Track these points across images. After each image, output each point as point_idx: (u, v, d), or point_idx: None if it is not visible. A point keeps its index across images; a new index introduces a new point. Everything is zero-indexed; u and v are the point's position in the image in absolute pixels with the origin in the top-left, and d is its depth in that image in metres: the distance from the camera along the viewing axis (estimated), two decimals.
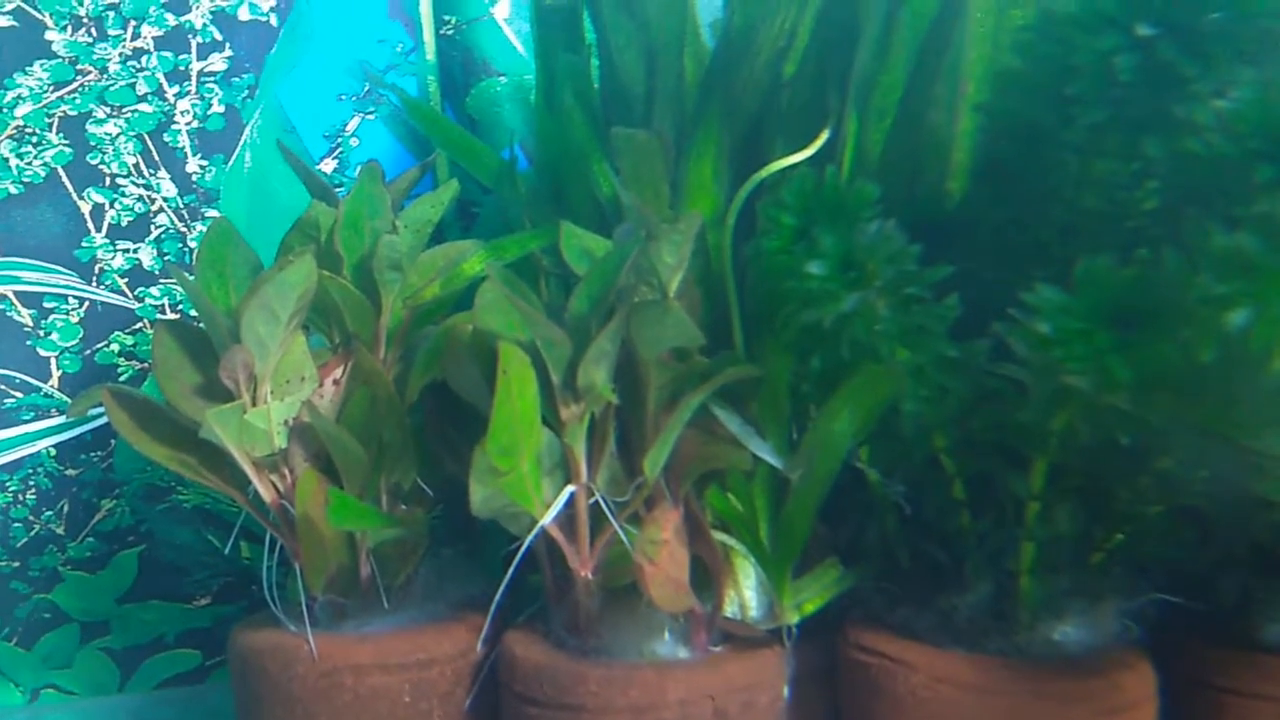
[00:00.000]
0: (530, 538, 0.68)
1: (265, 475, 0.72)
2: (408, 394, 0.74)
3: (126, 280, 0.96)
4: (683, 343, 0.66)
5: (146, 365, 0.96)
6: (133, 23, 0.94)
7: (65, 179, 0.94)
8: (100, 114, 0.94)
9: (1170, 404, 0.56)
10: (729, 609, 0.74)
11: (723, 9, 0.76)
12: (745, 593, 0.75)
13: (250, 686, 0.73)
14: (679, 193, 0.75)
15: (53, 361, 0.95)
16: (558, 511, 0.68)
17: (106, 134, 0.95)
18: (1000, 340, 0.60)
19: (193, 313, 0.94)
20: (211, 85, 0.96)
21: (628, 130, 0.72)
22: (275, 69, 0.98)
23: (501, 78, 1.00)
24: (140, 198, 0.96)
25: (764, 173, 0.72)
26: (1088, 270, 0.57)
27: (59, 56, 0.93)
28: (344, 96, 1.00)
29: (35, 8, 0.93)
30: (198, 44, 0.96)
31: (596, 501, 0.68)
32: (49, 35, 0.93)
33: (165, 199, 0.96)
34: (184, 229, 0.96)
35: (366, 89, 1.00)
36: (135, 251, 0.96)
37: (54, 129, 0.94)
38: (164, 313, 0.96)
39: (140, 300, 0.96)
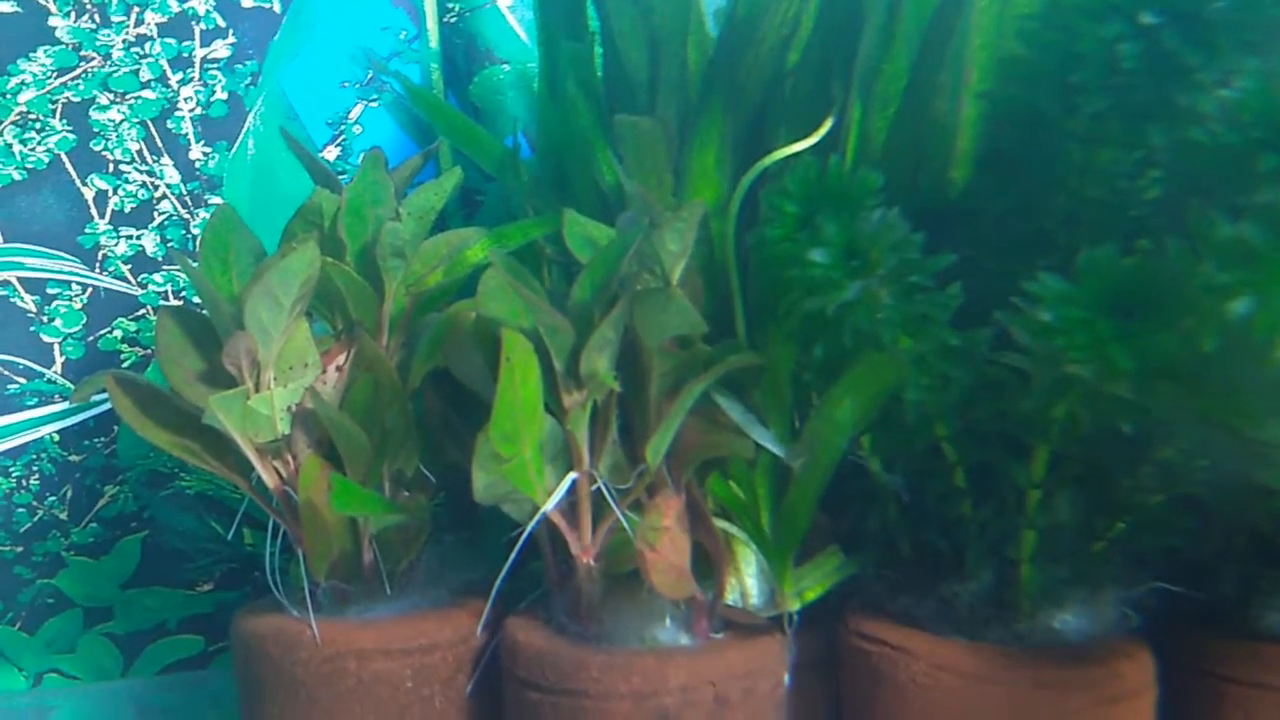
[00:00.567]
0: (532, 524, 0.68)
1: (268, 461, 0.73)
2: (410, 381, 0.75)
3: (130, 266, 0.96)
4: (685, 330, 0.66)
5: (150, 351, 0.96)
6: (136, 9, 0.94)
7: (69, 165, 0.94)
8: (104, 100, 0.94)
9: (1172, 393, 0.56)
10: (730, 596, 0.75)
11: None
12: (746, 580, 0.76)
13: (253, 672, 0.73)
14: (682, 180, 0.75)
15: (56, 347, 0.95)
16: (560, 498, 0.68)
17: (110, 120, 0.95)
18: (1003, 329, 0.60)
19: (196, 299, 0.94)
20: (215, 72, 0.96)
21: (631, 118, 0.72)
22: (278, 56, 0.98)
23: (505, 65, 1.00)
24: (143, 184, 0.96)
25: (767, 161, 0.72)
26: (1090, 259, 0.57)
27: (62, 42, 0.93)
28: (347, 84, 0.99)
29: None
30: (201, 30, 0.96)
31: (598, 488, 0.69)
32: (52, 21, 0.93)
33: (168, 185, 0.96)
34: (187, 215, 0.96)
35: (370, 76, 1.00)
36: (138, 238, 0.96)
37: (57, 115, 0.94)
38: (167, 299, 0.96)
39: (143, 286, 0.96)
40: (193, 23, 0.96)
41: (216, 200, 0.97)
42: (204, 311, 0.73)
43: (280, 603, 0.74)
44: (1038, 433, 0.64)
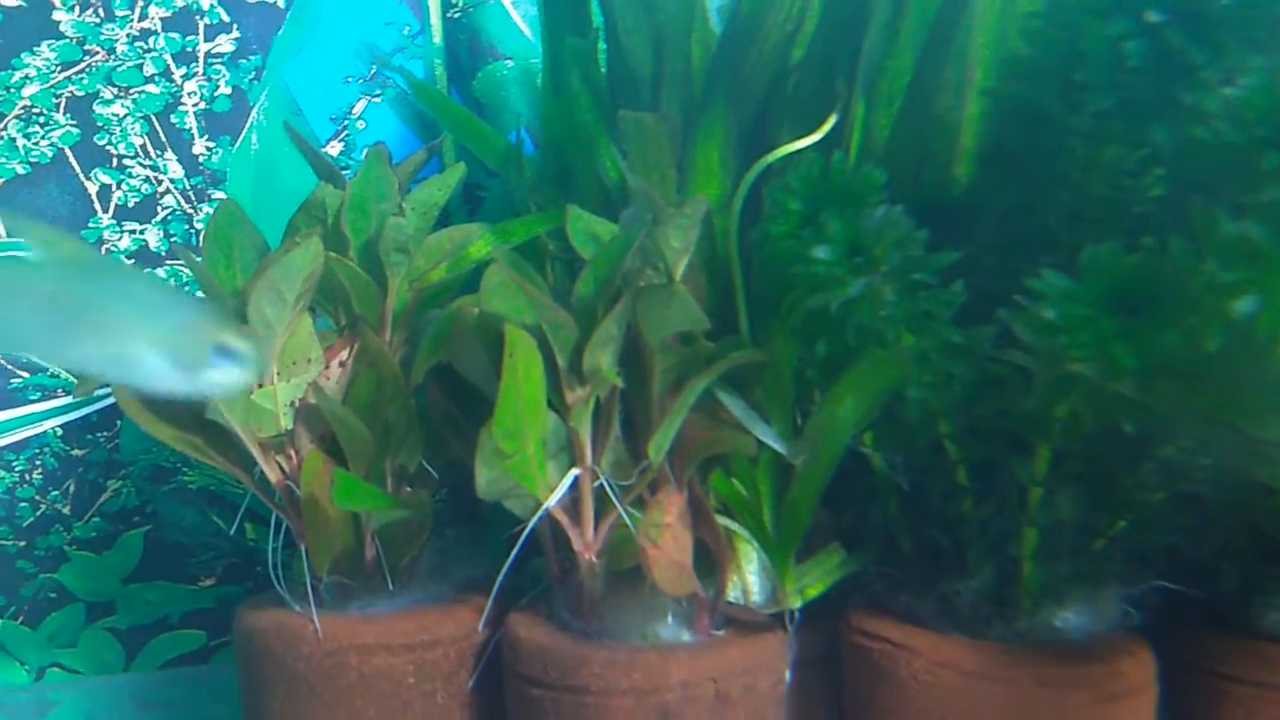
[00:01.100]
0: (534, 520, 0.69)
1: (271, 456, 0.73)
2: (413, 376, 0.75)
3: (133, 261, 0.96)
4: (688, 327, 0.66)
5: None
6: (140, 3, 0.94)
7: (72, 159, 0.94)
8: (107, 95, 0.94)
9: (1175, 391, 0.56)
10: (732, 593, 0.75)
11: None
12: (748, 577, 0.76)
13: (255, 667, 0.74)
14: (686, 177, 0.75)
15: None
16: (562, 494, 0.68)
17: (114, 115, 0.95)
18: (1005, 326, 0.60)
19: (200, 294, 0.94)
20: (219, 67, 0.96)
21: (635, 114, 0.72)
22: (282, 51, 0.98)
23: (508, 61, 1.00)
24: (147, 179, 0.96)
25: (771, 157, 0.72)
26: (1093, 257, 0.57)
27: (66, 37, 0.93)
28: (351, 79, 0.99)
29: None
30: (205, 25, 0.96)
31: (601, 485, 0.69)
32: (56, 15, 0.93)
33: (172, 180, 0.96)
34: (191, 210, 0.97)
35: (373, 71, 1.00)
36: (142, 233, 0.96)
37: (61, 109, 0.94)
38: None
39: None
40: (197, 17, 0.96)
41: (220, 195, 0.97)
42: None
43: (282, 598, 0.74)
44: (1040, 430, 0.64)
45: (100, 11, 0.94)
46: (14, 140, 0.93)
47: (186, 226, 0.97)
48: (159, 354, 0.50)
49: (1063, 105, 0.63)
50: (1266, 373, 0.53)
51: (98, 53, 0.94)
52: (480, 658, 0.73)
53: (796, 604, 0.73)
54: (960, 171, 0.71)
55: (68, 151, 0.94)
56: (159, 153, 0.96)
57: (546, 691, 0.67)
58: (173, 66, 0.95)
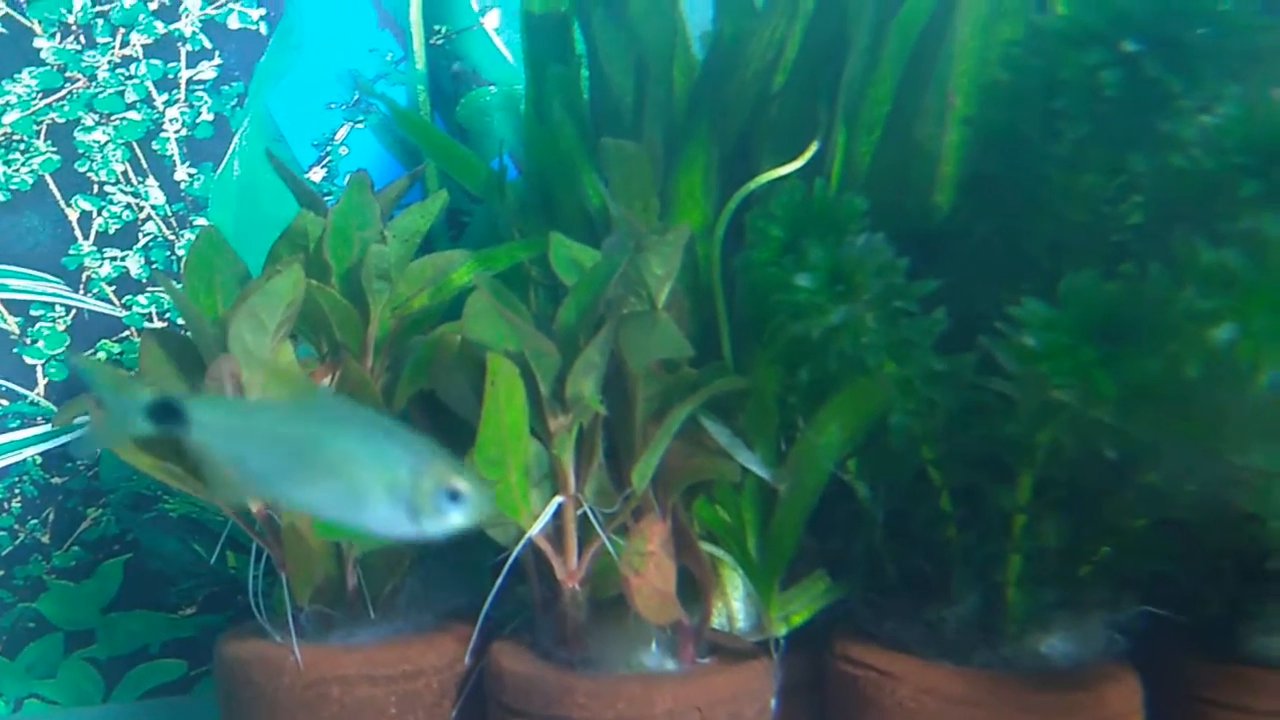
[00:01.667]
0: (518, 548, 0.68)
1: None
2: (395, 404, 0.74)
3: (114, 288, 0.95)
4: (671, 354, 0.66)
5: (133, 374, 0.95)
6: (122, 30, 0.94)
7: (53, 186, 0.94)
8: (89, 121, 0.94)
9: (1156, 418, 0.56)
10: (716, 621, 0.74)
11: (712, 21, 0.76)
12: (733, 604, 0.75)
13: (236, 697, 0.73)
14: (668, 204, 0.75)
15: (39, 369, 0.94)
16: (545, 522, 0.68)
17: (95, 141, 0.94)
18: (987, 353, 0.60)
19: (180, 321, 0.94)
20: (201, 93, 0.96)
21: (617, 141, 0.72)
22: (265, 77, 0.98)
23: (491, 87, 1.00)
24: (128, 205, 0.95)
25: (753, 184, 0.72)
26: (1073, 284, 0.57)
27: (47, 64, 0.93)
28: (333, 105, 0.99)
29: (24, 14, 0.92)
30: (187, 52, 0.96)
31: (584, 512, 0.68)
32: (38, 42, 0.93)
33: (153, 207, 0.96)
34: (172, 237, 0.96)
35: (356, 98, 1.00)
36: (123, 259, 0.95)
37: (42, 136, 0.93)
38: (151, 321, 0.96)
39: (128, 308, 0.96)
40: (179, 44, 0.95)
41: (201, 222, 0.96)
42: (188, 334, 0.73)
43: (263, 627, 0.73)
44: (1022, 457, 0.64)
45: (81, 38, 0.93)
46: None
47: (168, 253, 0.96)
48: (390, 498, 0.50)
49: (1042, 133, 0.63)
50: (1247, 400, 0.53)
51: (79, 79, 0.94)
52: (463, 688, 0.73)
53: (781, 631, 0.73)
54: (941, 199, 0.71)
55: (48, 178, 0.94)
56: (140, 179, 0.95)
57: None
58: (154, 93, 0.95)
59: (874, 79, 0.72)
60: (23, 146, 0.93)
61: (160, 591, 0.97)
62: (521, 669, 0.68)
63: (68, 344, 0.94)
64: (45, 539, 0.95)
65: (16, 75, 0.93)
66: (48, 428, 0.94)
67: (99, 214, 0.95)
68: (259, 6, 0.97)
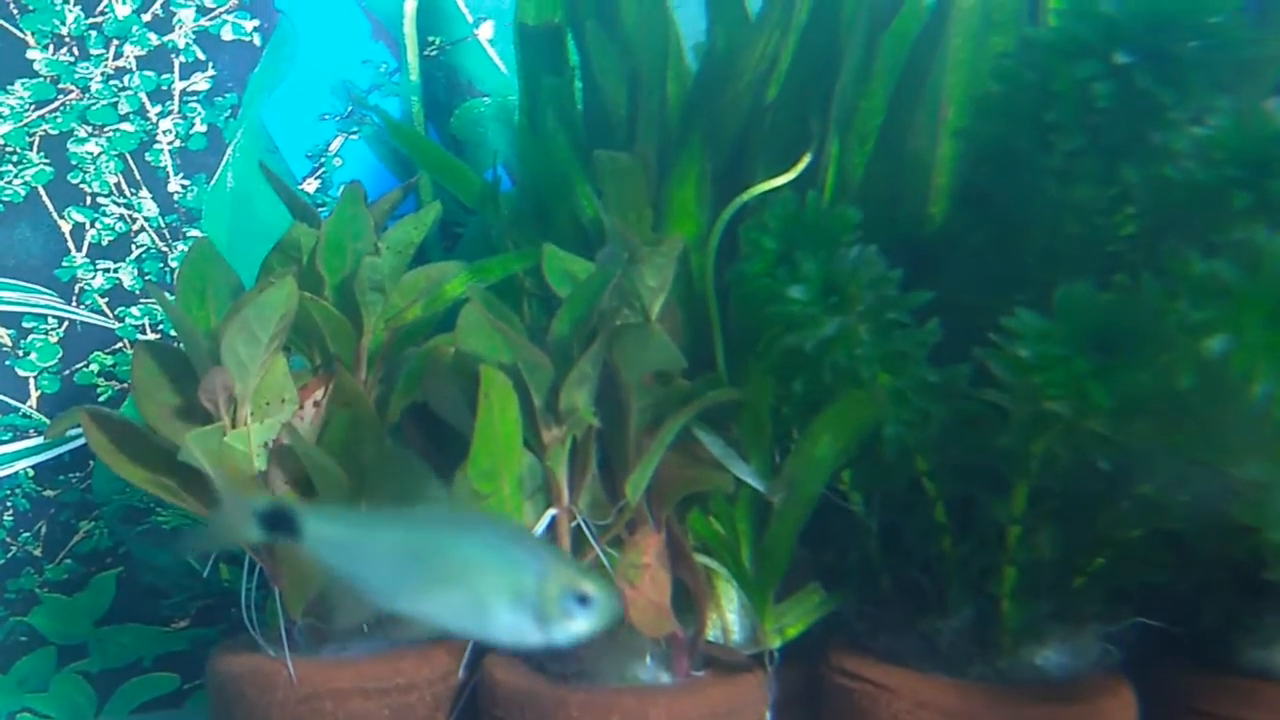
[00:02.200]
0: None
1: None
2: (389, 415, 0.74)
3: (107, 300, 0.95)
4: (665, 366, 0.66)
5: (126, 386, 0.95)
6: (115, 42, 0.94)
7: (46, 198, 0.94)
8: (82, 133, 0.94)
9: (1149, 429, 0.56)
10: (711, 633, 0.74)
11: (706, 33, 0.76)
12: (727, 617, 0.75)
13: (229, 711, 0.72)
14: (661, 215, 0.75)
15: (31, 382, 0.94)
16: (539, 535, 0.68)
17: (88, 153, 0.94)
18: (981, 365, 0.60)
19: (173, 333, 0.94)
20: (194, 105, 0.96)
21: (611, 153, 0.72)
22: (258, 89, 0.98)
23: (485, 98, 1.00)
24: (121, 217, 0.95)
25: (746, 196, 0.72)
26: (1067, 295, 0.57)
27: (40, 75, 0.93)
28: (327, 116, 0.99)
29: (17, 26, 0.92)
30: (180, 63, 0.96)
31: (578, 525, 0.68)
32: (30, 54, 0.93)
33: (146, 218, 0.96)
34: (165, 249, 0.96)
35: (350, 109, 1.00)
36: (116, 271, 0.95)
37: (35, 148, 0.93)
38: (144, 333, 0.96)
39: (120, 320, 0.95)
40: (172, 56, 0.95)
41: (195, 233, 0.96)
42: (181, 346, 0.73)
43: (256, 641, 0.73)
44: (1017, 468, 0.64)
45: (75, 50, 0.93)
46: None
47: (161, 265, 0.96)
48: (516, 605, 0.49)
49: (1034, 145, 0.64)
50: (1240, 411, 0.53)
51: (72, 91, 0.94)
52: (457, 701, 0.72)
53: (776, 643, 0.72)
54: (934, 210, 0.71)
55: (41, 190, 0.94)
56: (134, 191, 0.95)
57: None
58: (148, 104, 0.95)
59: (867, 91, 0.72)
60: (16, 158, 0.93)
61: (153, 605, 0.97)
62: (515, 682, 0.68)
63: (60, 356, 0.94)
64: (37, 552, 0.95)
65: (9, 87, 0.92)
66: (40, 440, 0.94)
67: (92, 226, 0.95)
68: (252, 18, 0.97)
